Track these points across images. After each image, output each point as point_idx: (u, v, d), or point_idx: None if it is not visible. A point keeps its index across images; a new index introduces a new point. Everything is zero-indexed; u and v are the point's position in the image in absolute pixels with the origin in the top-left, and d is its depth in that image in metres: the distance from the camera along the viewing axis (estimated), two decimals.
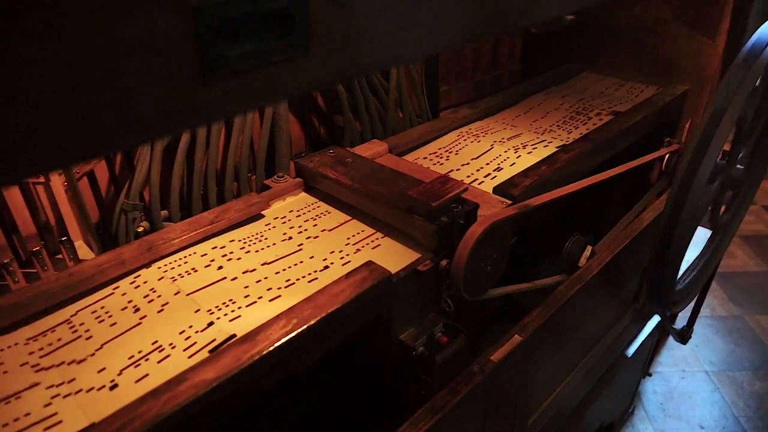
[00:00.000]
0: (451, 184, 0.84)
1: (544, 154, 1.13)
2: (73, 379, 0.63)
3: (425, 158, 1.16)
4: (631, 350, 1.52)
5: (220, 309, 0.73)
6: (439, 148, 1.20)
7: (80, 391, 0.62)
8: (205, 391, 0.57)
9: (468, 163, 1.13)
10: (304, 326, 0.65)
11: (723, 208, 1.18)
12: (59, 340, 0.69)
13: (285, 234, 0.89)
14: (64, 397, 0.61)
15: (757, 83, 0.94)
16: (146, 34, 0.28)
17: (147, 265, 0.81)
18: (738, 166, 1.07)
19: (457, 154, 1.17)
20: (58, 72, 0.26)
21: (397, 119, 1.34)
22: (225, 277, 0.79)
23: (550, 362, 1.04)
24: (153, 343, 0.68)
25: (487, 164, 1.12)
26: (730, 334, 2.24)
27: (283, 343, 0.63)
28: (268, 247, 0.86)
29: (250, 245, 0.87)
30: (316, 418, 0.93)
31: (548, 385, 1.12)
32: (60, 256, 0.95)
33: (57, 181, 0.93)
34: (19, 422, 0.57)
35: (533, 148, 1.19)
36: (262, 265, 0.82)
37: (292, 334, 0.64)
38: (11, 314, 0.70)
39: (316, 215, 0.95)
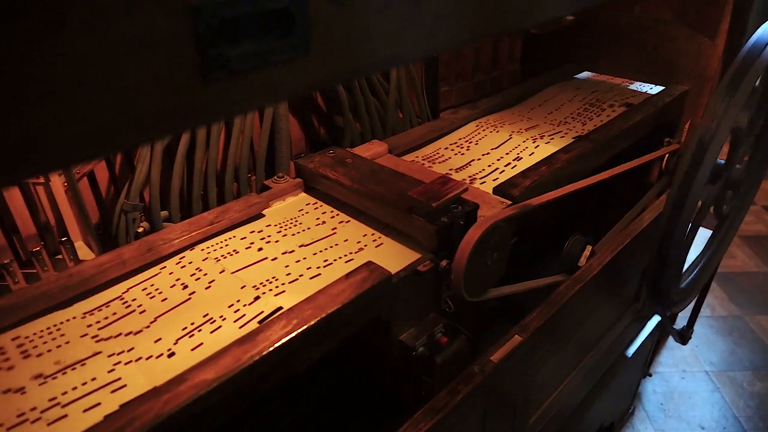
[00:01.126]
0: (451, 184, 0.84)
1: (561, 144, 1.16)
2: (132, 348, 0.66)
3: (446, 148, 1.19)
4: (631, 350, 1.51)
5: (264, 285, 0.77)
6: (460, 138, 1.24)
7: (140, 358, 0.65)
8: (205, 392, 0.57)
9: (488, 153, 1.17)
10: (304, 327, 0.65)
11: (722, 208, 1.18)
12: (114, 314, 0.73)
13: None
14: (126, 364, 0.64)
15: (757, 83, 0.94)
16: (146, 34, 0.28)
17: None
18: (738, 166, 1.07)
19: (477, 144, 1.21)
20: (58, 72, 0.26)
21: (397, 120, 1.34)
22: (266, 258, 0.83)
23: (550, 362, 1.04)
24: (204, 316, 0.71)
25: (507, 154, 1.17)
26: (730, 334, 2.24)
27: (283, 344, 0.63)
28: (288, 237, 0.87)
29: (287, 229, 0.91)
30: (316, 418, 0.93)
31: (548, 385, 1.12)
32: (60, 256, 0.95)
33: (57, 182, 0.93)
34: (87, 386, 0.61)
35: (551, 138, 1.22)
36: (299, 246, 0.86)
37: (292, 335, 0.64)
38: (11, 314, 0.70)
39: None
